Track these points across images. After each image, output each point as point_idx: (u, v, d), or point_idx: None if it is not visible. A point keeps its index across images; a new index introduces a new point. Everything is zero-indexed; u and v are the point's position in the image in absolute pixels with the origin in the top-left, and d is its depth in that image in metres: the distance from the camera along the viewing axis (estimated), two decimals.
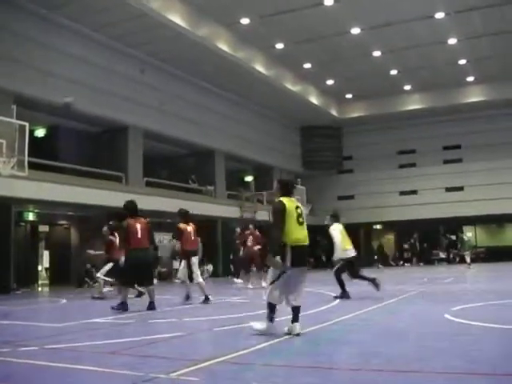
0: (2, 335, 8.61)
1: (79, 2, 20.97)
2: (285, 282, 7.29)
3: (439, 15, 24.75)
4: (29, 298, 17.29)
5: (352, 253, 13.18)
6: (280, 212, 7.35)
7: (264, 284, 15.04)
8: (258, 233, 19.18)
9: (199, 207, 27.13)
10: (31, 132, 18.60)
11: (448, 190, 37.52)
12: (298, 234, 7.38)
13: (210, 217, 28.56)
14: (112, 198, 21.92)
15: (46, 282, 23.10)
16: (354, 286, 13.47)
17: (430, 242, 39.37)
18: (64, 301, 15.52)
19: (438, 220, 36.43)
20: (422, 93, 36.01)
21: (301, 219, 7.47)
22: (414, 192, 38.27)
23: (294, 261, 7.21)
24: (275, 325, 7.50)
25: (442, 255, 38.47)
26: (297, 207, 7.53)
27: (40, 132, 25.02)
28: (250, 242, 18.79)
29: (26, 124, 16.45)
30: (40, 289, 21.23)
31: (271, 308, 7.41)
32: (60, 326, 9.59)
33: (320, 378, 5.20)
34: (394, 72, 32.18)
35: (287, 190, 7.73)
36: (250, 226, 19.18)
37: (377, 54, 29.24)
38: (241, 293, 16.31)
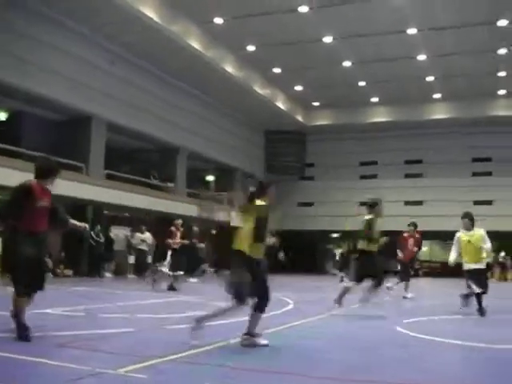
0: None
1: None
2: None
3: (411, 31, 25.08)
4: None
5: None
6: (267, 216, 7.22)
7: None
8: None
9: (159, 204, 27.00)
10: None
11: (407, 203, 37.87)
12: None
13: (169, 214, 28.38)
14: (71, 188, 21.62)
15: None
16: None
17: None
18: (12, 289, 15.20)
19: (395, 232, 36.56)
20: (388, 106, 36.41)
21: None
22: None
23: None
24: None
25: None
26: None
27: (1, 116, 24.57)
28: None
29: None
30: None
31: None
32: (8, 314, 9.40)
33: (261, 381, 5.19)
34: (362, 83, 32.44)
35: (263, 193, 7.49)
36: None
37: (347, 64, 29.45)
38: (197, 292, 16.22)
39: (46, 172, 7.39)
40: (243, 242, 6.94)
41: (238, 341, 6.99)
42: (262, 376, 5.45)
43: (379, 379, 5.34)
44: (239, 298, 6.79)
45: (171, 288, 16.30)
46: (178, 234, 17.00)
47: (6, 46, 20.66)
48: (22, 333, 6.74)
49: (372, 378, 5.38)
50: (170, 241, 16.79)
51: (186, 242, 17.98)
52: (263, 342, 6.94)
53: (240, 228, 7.16)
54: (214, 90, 30.97)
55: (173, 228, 17.02)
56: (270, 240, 7.81)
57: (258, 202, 7.20)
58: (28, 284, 6.96)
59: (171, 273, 16.46)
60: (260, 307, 6.96)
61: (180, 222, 17.66)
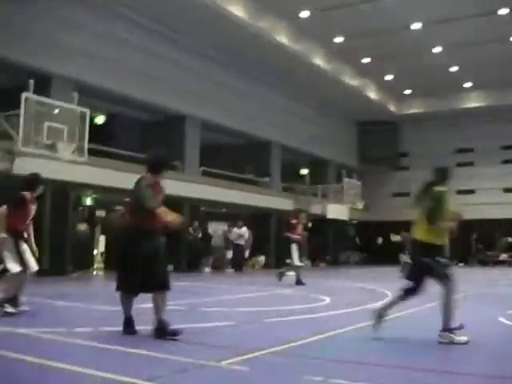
0: (58, 316, 8.85)
1: None
2: None
3: (503, 11, 24.21)
4: (84, 281, 17.63)
5: None
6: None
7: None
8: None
9: (254, 198, 27.29)
10: (91, 119, 18.94)
11: (507, 190, 36.76)
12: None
13: (265, 208, 28.67)
14: (168, 186, 22.10)
15: (101, 266, 23.49)
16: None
17: (485, 243, 38.48)
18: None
19: (494, 221, 35.67)
20: (482, 90, 35.33)
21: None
22: (471, 192, 37.57)
23: None
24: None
25: (502, 257, 37.42)
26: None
27: (100, 119, 25.47)
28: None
29: (87, 111, 16.80)
30: (95, 272, 21.62)
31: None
32: (114, 309, 9.80)
33: (369, 373, 5.22)
34: (454, 69, 31.65)
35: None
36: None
37: (437, 49, 28.80)
38: (293, 285, 16.28)
39: (158, 166, 7.39)
40: (419, 230, 7.05)
41: (335, 333, 7.04)
42: (360, 368, 5.49)
43: (481, 372, 5.27)
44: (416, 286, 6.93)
45: (299, 282, 16.16)
46: (300, 227, 16.75)
47: (108, 55, 21.47)
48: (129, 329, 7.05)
49: (473, 371, 5.31)
50: (288, 234, 16.55)
51: (305, 233, 17.72)
52: (462, 339, 6.64)
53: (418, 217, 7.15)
54: (303, 83, 30.92)
55: (294, 221, 16.77)
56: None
57: (438, 189, 7.11)
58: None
59: (299, 264, 16.34)
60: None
61: (304, 214, 17.50)
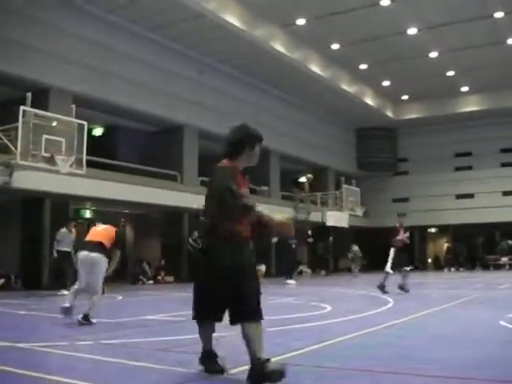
0: (59, 329, 8.81)
1: (137, 4, 21.32)
2: None
3: (498, 14, 24.25)
4: (85, 294, 17.58)
5: None
6: None
7: None
8: None
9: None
10: (89, 131, 18.96)
11: (505, 193, 36.76)
12: None
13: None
14: (167, 196, 22.28)
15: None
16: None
17: (485, 246, 38.41)
18: (120, 297, 15.76)
19: (493, 224, 35.66)
20: (479, 94, 35.37)
21: None
22: (470, 196, 37.59)
23: None
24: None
25: (503, 261, 37.29)
26: None
27: (98, 131, 25.50)
28: None
29: (85, 123, 16.80)
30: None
31: None
32: (114, 321, 9.78)
33: (371, 382, 5.18)
34: (450, 73, 31.71)
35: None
36: None
37: (434, 54, 28.87)
38: (294, 294, 16.25)
39: (241, 146, 5.56)
40: None
41: (336, 341, 7.01)
42: (362, 376, 5.45)
43: (485, 377, 5.24)
44: None
45: (402, 288, 15.49)
46: (401, 232, 16.12)
47: (106, 67, 21.53)
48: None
49: (477, 376, 5.27)
50: (396, 238, 15.91)
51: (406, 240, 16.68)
52: None
53: None
54: (301, 90, 31.01)
55: (397, 225, 16.30)
56: None
57: None
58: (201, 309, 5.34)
59: (389, 271, 15.65)
60: None
61: (402, 220, 16.88)
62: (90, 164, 18.07)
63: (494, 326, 8.58)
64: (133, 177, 22.52)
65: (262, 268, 28.41)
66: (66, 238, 16.97)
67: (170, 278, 23.92)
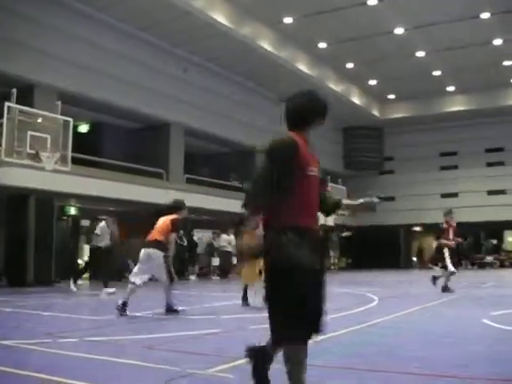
0: (44, 326, 8.78)
1: (125, 3, 21.26)
2: None
3: (485, 15, 24.38)
4: (69, 291, 17.52)
5: None
6: None
7: None
8: None
9: (238, 205, 27.20)
10: (75, 128, 18.87)
11: (490, 193, 36.95)
12: None
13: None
14: (153, 194, 22.19)
15: (87, 275, 23.33)
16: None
17: (473, 245, 38.58)
18: (103, 295, 15.67)
19: (478, 224, 35.80)
20: (465, 94, 35.50)
21: None
22: (455, 195, 37.74)
23: None
24: None
25: (488, 259, 37.55)
26: None
27: (83, 128, 25.39)
28: None
29: (71, 120, 16.72)
30: (80, 282, 21.47)
31: None
32: (99, 318, 9.76)
33: (355, 380, 5.20)
34: (437, 73, 31.84)
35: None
36: None
37: (420, 54, 28.97)
38: None
39: (308, 115, 4.55)
40: None
41: (322, 339, 7.02)
42: (349, 374, 5.47)
43: (468, 375, 5.26)
44: None
45: (445, 289, 15.18)
46: (451, 231, 15.73)
47: (92, 63, 21.40)
48: None
49: (459, 374, 5.31)
50: (444, 241, 15.57)
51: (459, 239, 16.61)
52: None
53: None
54: (288, 89, 30.56)
55: (445, 225, 15.81)
56: None
57: None
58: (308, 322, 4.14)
59: (453, 270, 15.27)
60: None
61: (451, 215, 16.08)
62: (75, 161, 18.02)
63: (478, 324, 8.64)
64: (118, 174, 22.43)
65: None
66: (105, 232, 16.81)
67: None
